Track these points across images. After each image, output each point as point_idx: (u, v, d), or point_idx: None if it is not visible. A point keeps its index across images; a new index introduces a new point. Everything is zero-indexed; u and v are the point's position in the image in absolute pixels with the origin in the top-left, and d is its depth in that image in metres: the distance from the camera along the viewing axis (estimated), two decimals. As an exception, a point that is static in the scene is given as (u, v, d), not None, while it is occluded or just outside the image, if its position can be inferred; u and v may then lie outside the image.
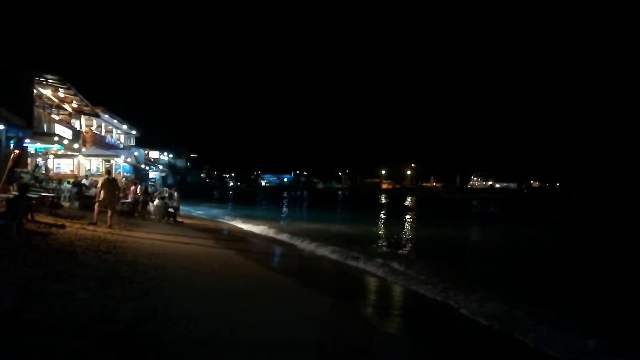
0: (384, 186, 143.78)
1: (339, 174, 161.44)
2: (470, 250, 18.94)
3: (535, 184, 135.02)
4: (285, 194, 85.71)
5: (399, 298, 10.17)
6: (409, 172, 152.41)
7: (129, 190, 21.48)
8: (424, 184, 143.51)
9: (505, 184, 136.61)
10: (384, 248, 17.54)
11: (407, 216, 37.96)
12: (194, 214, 28.92)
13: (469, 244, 21.33)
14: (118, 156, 32.85)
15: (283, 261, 14.48)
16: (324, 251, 15.36)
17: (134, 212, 19.59)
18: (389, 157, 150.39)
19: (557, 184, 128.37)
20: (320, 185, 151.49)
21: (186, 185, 66.55)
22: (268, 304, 7.87)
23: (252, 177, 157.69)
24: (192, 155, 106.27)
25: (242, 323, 6.47)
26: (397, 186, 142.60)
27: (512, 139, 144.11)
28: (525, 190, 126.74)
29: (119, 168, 32.85)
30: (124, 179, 29.41)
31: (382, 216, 37.90)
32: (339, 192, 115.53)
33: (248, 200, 55.34)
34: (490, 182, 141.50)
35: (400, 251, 16.62)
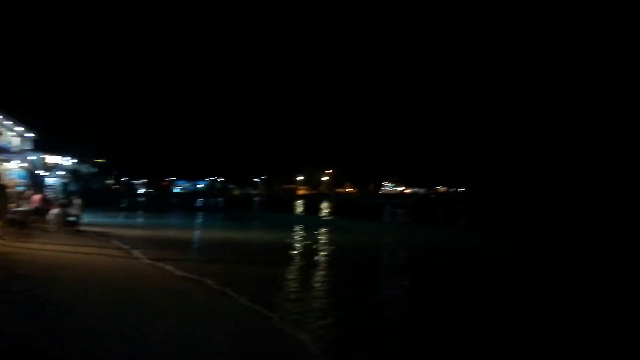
0: (300, 192, 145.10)
1: (255, 180, 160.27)
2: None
3: (442, 189, 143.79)
4: (198, 201, 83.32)
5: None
6: (325, 178, 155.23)
7: (28, 198, 19.88)
8: (339, 190, 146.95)
9: (415, 189, 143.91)
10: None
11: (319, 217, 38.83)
12: (97, 222, 27.37)
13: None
14: (8, 161, 30.07)
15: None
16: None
17: (28, 222, 18.14)
18: (305, 163, 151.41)
19: (461, 189, 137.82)
20: (237, 192, 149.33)
21: (90, 192, 62.32)
22: (173, 315, 7.79)
23: (165, 183, 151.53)
24: (98, 160, 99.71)
25: (145, 336, 6.37)
26: (314, 192, 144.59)
27: (421, 147, 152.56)
28: (432, 195, 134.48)
29: (12, 174, 30.09)
30: (21, 187, 27.02)
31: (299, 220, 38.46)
32: (255, 199, 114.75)
33: (158, 208, 53.11)
34: (401, 188, 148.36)
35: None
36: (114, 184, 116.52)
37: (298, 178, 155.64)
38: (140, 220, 35.22)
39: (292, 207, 62.12)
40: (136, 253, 14.89)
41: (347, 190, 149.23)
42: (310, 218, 42.39)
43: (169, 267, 12.56)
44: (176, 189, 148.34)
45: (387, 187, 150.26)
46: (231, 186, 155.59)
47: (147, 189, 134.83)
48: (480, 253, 20.05)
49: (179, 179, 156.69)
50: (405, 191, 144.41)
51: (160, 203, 68.81)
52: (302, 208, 62.81)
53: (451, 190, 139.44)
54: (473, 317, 9.34)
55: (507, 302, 10.57)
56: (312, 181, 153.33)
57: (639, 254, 20.98)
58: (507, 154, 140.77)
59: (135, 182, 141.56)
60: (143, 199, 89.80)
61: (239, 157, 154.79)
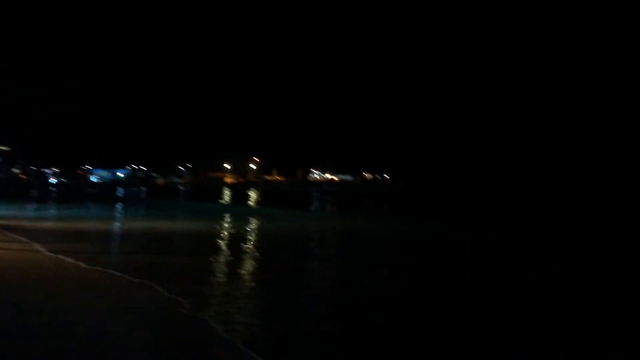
0: (228, 180, 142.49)
1: (180, 168, 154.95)
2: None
3: (368, 175, 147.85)
4: (119, 191, 79.06)
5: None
6: (252, 166, 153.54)
7: None
8: (267, 178, 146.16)
9: (342, 176, 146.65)
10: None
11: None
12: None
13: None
14: None
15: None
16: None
17: None
18: (232, 151, 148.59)
19: (385, 176, 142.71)
20: (160, 181, 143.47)
21: (-6, 182, 56.89)
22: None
23: (81, 172, 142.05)
24: (1, 148, 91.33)
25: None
26: (241, 180, 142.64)
27: (347, 135, 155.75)
28: (359, 182, 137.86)
29: None
30: None
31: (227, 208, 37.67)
32: (180, 188, 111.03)
33: (73, 199, 49.65)
34: (328, 175, 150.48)
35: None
36: (21, 173, 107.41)
37: (225, 166, 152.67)
38: (52, 212, 32.79)
39: (219, 196, 60.81)
40: (37, 246, 13.78)
41: (275, 178, 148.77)
42: (238, 207, 41.80)
43: (70, 260, 11.75)
44: (93, 178, 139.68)
45: (315, 174, 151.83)
46: (154, 175, 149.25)
47: (60, 178, 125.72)
48: (402, 241, 20.70)
49: (96, 167, 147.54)
50: (333, 178, 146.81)
51: (76, 193, 64.45)
52: (229, 197, 61.68)
53: (377, 177, 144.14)
54: (386, 301, 9.67)
55: (429, 290, 11.01)
56: (239, 169, 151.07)
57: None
58: (432, 143, 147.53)
59: (47, 170, 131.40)
60: (55, 189, 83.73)
61: (162, 145, 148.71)
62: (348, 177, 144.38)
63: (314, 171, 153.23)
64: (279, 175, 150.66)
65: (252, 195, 67.95)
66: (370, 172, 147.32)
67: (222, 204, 47.33)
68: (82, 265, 11.32)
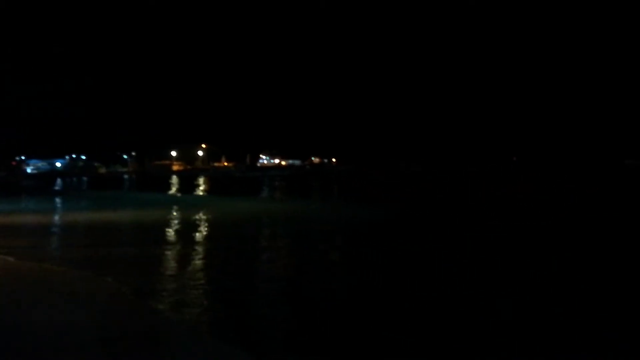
0: (175, 168, 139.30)
1: (124, 156, 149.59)
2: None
3: (316, 160, 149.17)
4: (57, 182, 75.77)
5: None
6: (200, 153, 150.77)
7: None
8: (216, 164, 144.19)
9: (290, 161, 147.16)
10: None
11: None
12: None
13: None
14: None
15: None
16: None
17: None
18: (179, 138, 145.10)
19: (333, 160, 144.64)
20: (103, 170, 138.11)
21: None
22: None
23: (14, 163, 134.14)
24: None
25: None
26: (189, 167, 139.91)
27: (294, 119, 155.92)
28: (307, 167, 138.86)
29: None
30: None
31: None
32: (125, 177, 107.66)
33: (6, 192, 47.28)
34: (277, 160, 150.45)
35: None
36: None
37: (172, 153, 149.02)
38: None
39: (166, 185, 59.85)
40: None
41: (224, 164, 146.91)
42: (186, 196, 41.54)
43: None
44: (29, 169, 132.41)
45: (264, 159, 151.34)
46: (96, 164, 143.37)
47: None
48: (351, 226, 21.28)
49: (31, 157, 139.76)
50: (281, 163, 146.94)
51: (9, 186, 61.20)
52: (177, 186, 60.83)
53: (325, 161, 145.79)
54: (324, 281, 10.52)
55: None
56: (187, 156, 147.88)
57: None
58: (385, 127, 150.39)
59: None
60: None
61: (104, 133, 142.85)
62: (296, 162, 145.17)
63: (263, 156, 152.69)
64: (227, 161, 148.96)
65: (201, 182, 67.31)
66: (318, 157, 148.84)
67: (170, 194, 46.75)
68: (11, 259, 11.44)
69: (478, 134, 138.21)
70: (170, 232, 17.91)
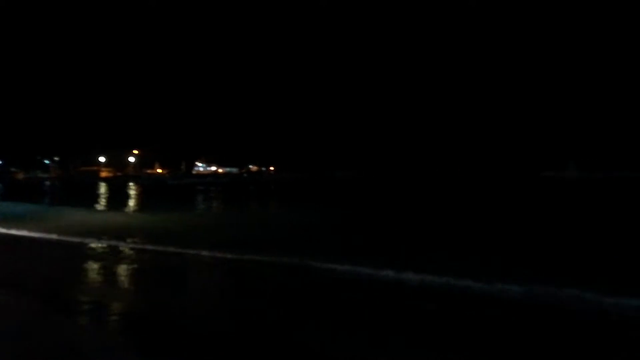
0: (103, 174, 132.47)
1: (46, 162, 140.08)
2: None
3: (254, 167, 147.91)
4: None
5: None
6: (131, 159, 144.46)
7: None
8: (149, 171, 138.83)
9: (227, 169, 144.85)
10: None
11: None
12: None
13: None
14: None
15: None
16: None
17: None
18: (108, 143, 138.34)
19: (271, 167, 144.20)
20: (21, 176, 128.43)
21: None
22: None
23: None
24: None
25: None
26: (119, 174, 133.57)
27: (231, 127, 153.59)
28: (244, 174, 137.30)
29: None
30: None
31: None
32: (47, 183, 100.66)
33: None
34: (214, 168, 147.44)
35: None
36: None
37: (100, 159, 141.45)
38: None
39: (92, 195, 56.20)
40: None
41: (157, 171, 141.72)
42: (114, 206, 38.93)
43: None
44: None
45: (200, 166, 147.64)
46: (13, 169, 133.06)
47: None
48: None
49: None
50: (218, 171, 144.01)
51: None
52: (106, 195, 57.29)
53: (263, 169, 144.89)
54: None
55: None
56: (117, 162, 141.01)
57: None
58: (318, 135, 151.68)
59: None
60: None
61: (22, 134, 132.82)
62: (234, 170, 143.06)
63: (199, 164, 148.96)
64: (161, 168, 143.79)
65: (132, 194, 64.08)
66: (255, 165, 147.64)
67: (96, 209, 43.76)
68: None
69: (412, 141, 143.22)
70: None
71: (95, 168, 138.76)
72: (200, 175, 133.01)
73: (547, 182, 77.54)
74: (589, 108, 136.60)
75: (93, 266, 12.48)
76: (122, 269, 12.18)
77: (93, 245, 15.40)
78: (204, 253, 13.26)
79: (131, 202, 41.58)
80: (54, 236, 17.06)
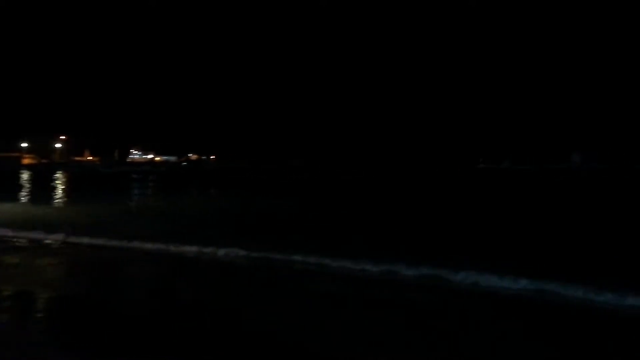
0: (26, 161, 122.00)
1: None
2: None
3: (193, 156, 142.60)
4: None
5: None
6: (58, 145, 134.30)
7: None
8: (78, 158, 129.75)
9: (165, 157, 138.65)
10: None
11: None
12: None
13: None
14: None
15: None
16: None
17: None
18: (32, 128, 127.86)
19: (212, 157, 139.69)
20: None
21: None
22: None
23: None
24: None
25: None
26: (43, 161, 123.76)
27: (170, 113, 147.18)
28: (184, 163, 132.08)
29: None
30: None
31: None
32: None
33: None
34: (150, 156, 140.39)
35: None
36: None
37: (22, 145, 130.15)
38: None
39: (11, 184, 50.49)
40: None
41: (87, 158, 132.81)
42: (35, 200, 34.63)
43: None
44: None
45: (136, 154, 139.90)
46: None
47: None
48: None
49: None
50: (155, 159, 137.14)
51: None
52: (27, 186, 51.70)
53: (204, 158, 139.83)
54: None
55: None
56: (42, 149, 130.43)
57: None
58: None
59: None
60: None
61: None
62: (172, 158, 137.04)
63: (134, 151, 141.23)
64: (92, 155, 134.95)
65: (58, 183, 58.58)
66: (196, 153, 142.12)
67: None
68: None
69: (359, 133, 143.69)
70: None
71: (15, 154, 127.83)
72: (136, 164, 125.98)
73: (482, 173, 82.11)
74: (522, 109, 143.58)
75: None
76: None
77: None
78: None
79: (56, 192, 37.47)
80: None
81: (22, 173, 78.28)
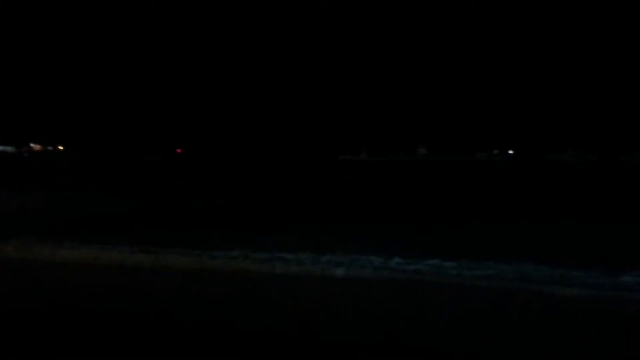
0: None
1: None
2: None
3: (37, 147, 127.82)
4: None
5: None
6: None
7: None
8: None
9: (1, 147, 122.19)
10: None
11: None
12: None
13: None
14: None
15: None
16: None
17: None
18: None
19: (59, 147, 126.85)
20: None
21: None
22: None
23: None
24: None
25: None
26: None
27: (9, 100, 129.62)
28: (25, 154, 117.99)
29: None
30: None
31: None
32: None
33: None
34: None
35: None
36: None
37: None
38: None
39: None
40: None
41: None
42: None
43: None
44: None
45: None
46: None
47: None
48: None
49: None
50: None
51: None
52: None
53: (49, 148, 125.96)
54: None
55: None
56: None
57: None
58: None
59: None
60: None
61: None
62: (9, 148, 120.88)
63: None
64: None
65: None
66: (40, 143, 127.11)
67: None
68: None
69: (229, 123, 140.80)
70: None
71: None
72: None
73: (343, 163, 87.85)
74: (381, 105, 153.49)
75: None
76: None
77: None
78: None
79: None
80: None
81: None
